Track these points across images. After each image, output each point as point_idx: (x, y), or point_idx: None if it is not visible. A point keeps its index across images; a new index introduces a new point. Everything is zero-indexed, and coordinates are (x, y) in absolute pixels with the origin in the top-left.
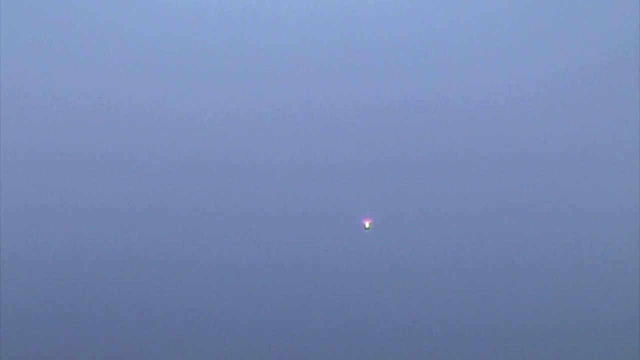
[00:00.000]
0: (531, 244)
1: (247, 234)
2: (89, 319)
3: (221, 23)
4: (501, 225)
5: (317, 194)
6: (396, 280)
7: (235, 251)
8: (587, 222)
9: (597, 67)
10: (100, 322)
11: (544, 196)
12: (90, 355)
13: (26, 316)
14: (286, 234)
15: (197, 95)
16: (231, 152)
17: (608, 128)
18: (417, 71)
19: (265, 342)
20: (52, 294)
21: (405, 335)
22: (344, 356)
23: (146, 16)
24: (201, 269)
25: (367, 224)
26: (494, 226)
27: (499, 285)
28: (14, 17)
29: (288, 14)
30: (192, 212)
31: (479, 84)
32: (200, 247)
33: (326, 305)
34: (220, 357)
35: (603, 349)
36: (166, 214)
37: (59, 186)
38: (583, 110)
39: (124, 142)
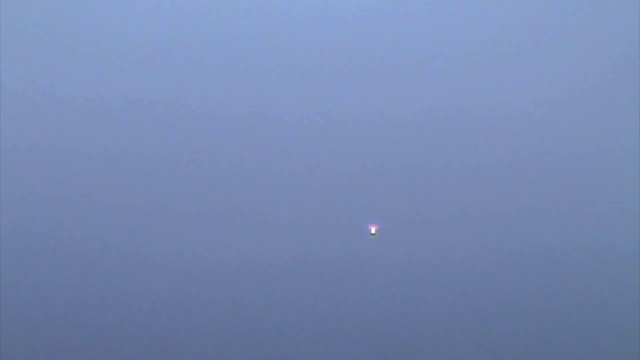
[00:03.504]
0: (543, 252)
1: (250, 237)
2: (87, 319)
3: (232, 22)
4: (510, 232)
5: (323, 198)
6: (402, 286)
7: (238, 256)
8: (598, 229)
9: (600, 73)
10: (98, 323)
11: (556, 204)
12: (89, 355)
13: (24, 315)
14: (291, 238)
15: (202, 98)
16: (236, 156)
17: (613, 134)
18: (424, 78)
19: (269, 350)
20: (52, 293)
21: (411, 341)
22: None
23: (149, 12)
24: (204, 275)
25: (372, 230)
26: (502, 232)
27: (507, 291)
28: (14, 13)
29: (296, 18)
30: (195, 217)
31: (486, 91)
32: (204, 253)
33: (330, 310)
34: None
35: (603, 350)
36: (171, 217)
37: (58, 185)
38: (591, 117)
39: (126, 141)
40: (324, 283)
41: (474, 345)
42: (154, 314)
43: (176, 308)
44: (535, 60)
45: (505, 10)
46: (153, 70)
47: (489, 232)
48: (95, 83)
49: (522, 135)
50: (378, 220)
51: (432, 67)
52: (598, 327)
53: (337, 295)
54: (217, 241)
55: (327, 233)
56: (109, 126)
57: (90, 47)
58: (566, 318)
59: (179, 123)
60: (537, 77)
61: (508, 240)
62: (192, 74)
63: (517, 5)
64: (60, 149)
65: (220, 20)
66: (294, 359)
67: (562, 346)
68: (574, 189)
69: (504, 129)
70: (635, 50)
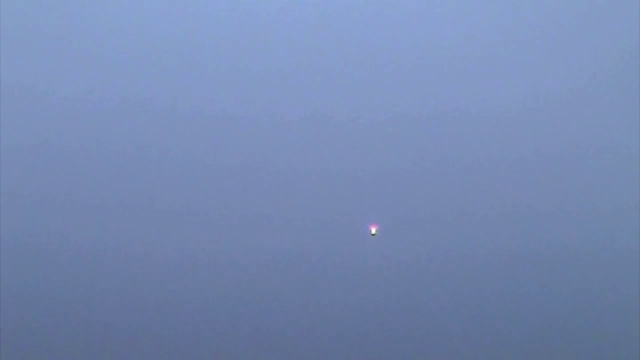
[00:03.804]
0: (543, 251)
1: (250, 239)
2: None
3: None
4: (508, 231)
5: (324, 199)
6: (401, 285)
7: (240, 257)
8: (597, 227)
9: (602, 72)
10: (97, 324)
11: (555, 203)
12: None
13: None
14: (292, 240)
15: (203, 96)
16: (237, 156)
17: (613, 133)
18: (422, 80)
19: (269, 351)
20: (51, 294)
21: (412, 341)
22: None
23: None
24: (204, 275)
25: (373, 230)
26: (501, 232)
27: (507, 290)
28: (14, 13)
29: (292, 21)
30: (195, 218)
31: (484, 92)
32: (204, 253)
33: (331, 311)
34: None
35: (603, 349)
36: (170, 216)
37: (56, 183)
38: (591, 116)
39: (127, 140)
40: (324, 283)
41: (474, 343)
42: (151, 314)
43: (174, 314)
44: (534, 60)
45: (504, 11)
46: (150, 70)
47: (488, 230)
48: (94, 82)
49: (520, 134)
50: (378, 220)
51: (431, 66)
52: (597, 325)
53: (337, 294)
54: (218, 241)
55: (328, 233)
56: (107, 125)
57: (90, 47)
58: (565, 317)
59: (179, 123)
60: (534, 77)
61: (507, 240)
62: (189, 74)
63: (516, 6)
64: (59, 147)
65: (218, 22)
66: (292, 358)
67: (561, 345)
68: (573, 189)
69: (503, 129)
70: (635, 51)
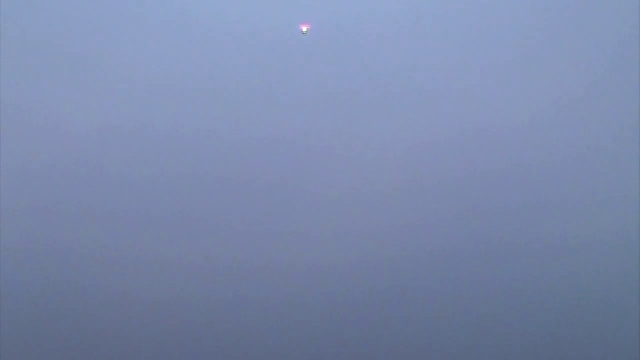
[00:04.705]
0: (536, 246)
1: (247, 242)
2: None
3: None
4: (507, 227)
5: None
6: (400, 284)
7: (236, 260)
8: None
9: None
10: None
11: (555, 205)
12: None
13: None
14: (289, 244)
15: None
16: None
17: (613, 135)
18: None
19: (263, 349)
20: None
21: (408, 339)
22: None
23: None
24: (199, 273)
25: (304, 29)
26: (500, 228)
27: (504, 286)
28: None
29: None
30: (195, 226)
31: (483, 96)
32: (198, 254)
33: (328, 310)
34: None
35: (603, 349)
36: (171, 224)
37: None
38: (592, 119)
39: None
40: (322, 283)
41: (474, 340)
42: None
43: (173, 314)
44: (531, 65)
45: (502, 18)
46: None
47: (488, 229)
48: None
49: (520, 138)
50: (377, 220)
51: (430, 71)
52: (597, 324)
53: (337, 293)
54: (217, 245)
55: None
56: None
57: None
58: (566, 316)
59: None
60: (530, 81)
61: (508, 238)
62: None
63: (515, 11)
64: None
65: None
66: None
67: (562, 343)
68: (574, 192)
69: (502, 132)
70: (635, 51)
